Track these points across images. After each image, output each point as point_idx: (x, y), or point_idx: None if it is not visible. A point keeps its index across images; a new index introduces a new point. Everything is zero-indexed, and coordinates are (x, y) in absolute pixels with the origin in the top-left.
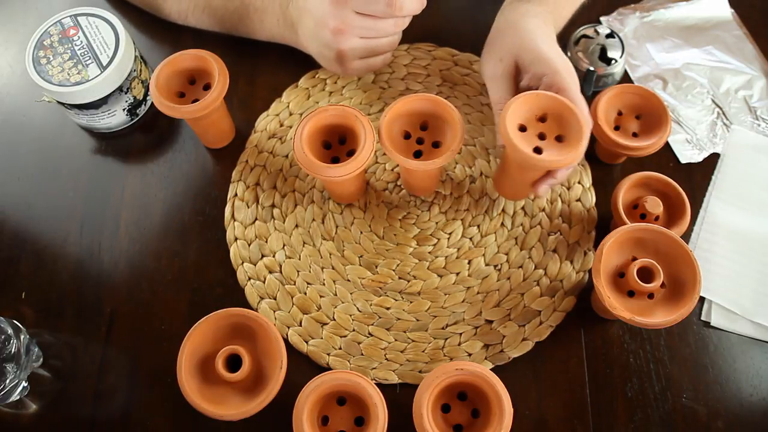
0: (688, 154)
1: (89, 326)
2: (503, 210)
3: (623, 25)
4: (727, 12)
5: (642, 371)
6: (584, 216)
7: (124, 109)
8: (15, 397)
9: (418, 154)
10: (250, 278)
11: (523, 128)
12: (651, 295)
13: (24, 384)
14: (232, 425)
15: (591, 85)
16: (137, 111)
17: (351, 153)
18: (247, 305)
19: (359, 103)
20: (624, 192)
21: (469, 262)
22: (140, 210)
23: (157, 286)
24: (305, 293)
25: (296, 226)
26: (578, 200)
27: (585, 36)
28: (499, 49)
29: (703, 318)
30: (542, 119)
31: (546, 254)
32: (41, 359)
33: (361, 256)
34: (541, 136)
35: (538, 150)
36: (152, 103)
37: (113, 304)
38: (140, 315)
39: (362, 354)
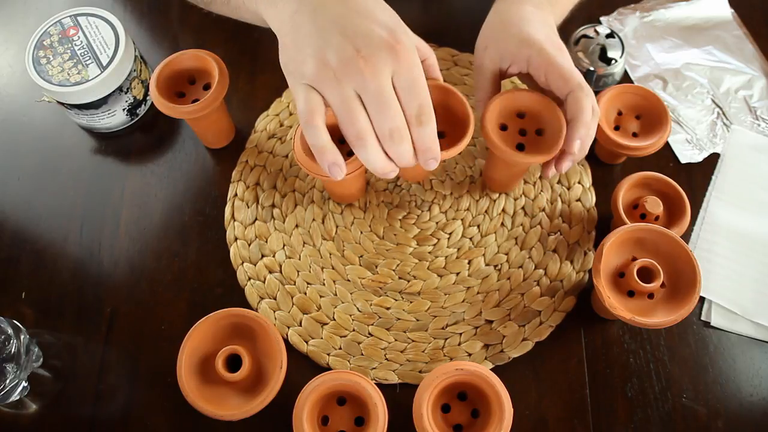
0: (688, 154)
1: (89, 326)
2: (503, 210)
3: (623, 25)
4: (727, 12)
5: (642, 371)
6: (584, 216)
7: (124, 109)
8: (15, 397)
9: None
10: (250, 278)
11: (504, 126)
12: (651, 295)
13: (24, 384)
14: (232, 425)
15: (591, 85)
16: (137, 111)
17: (351, 153)
18: (247, 305)
19: None
20: (624, 192)
21: (469, 262)
22: (140, 210)
23: (157, 286)
24: (305, 293)
25: (296, 226)
26: (578, 200)
27: (585, 36)
28: (484, 39)
29: (703, 318)
30: (521, 115)
31: (546, 254)
32: (41, 359)
33: (361, 256)
34: (522, 132)
35: (520, 146)
36: (152, 103)
37: (113, 304)
38: (140, 315)
39: (362, 354)
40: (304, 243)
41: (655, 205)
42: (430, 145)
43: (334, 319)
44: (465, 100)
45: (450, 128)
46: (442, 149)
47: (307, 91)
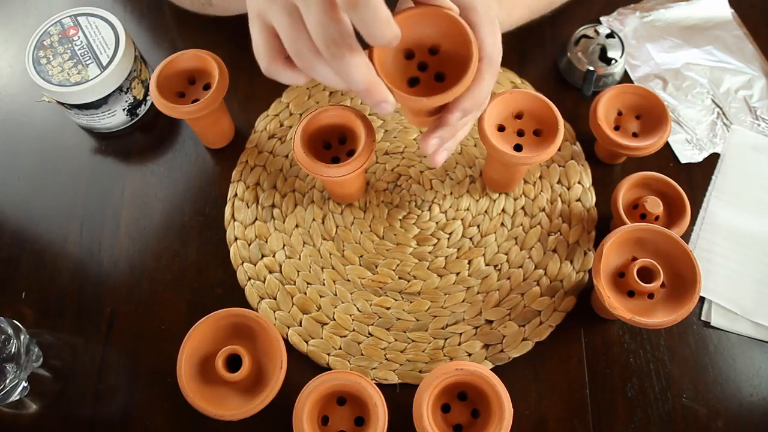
0: (688, 154)
1: (89, 326)
2: (503, 210)
3: (623, 25)
4: (727, 12)
5: (642, 371)
6: (584, 216)
7: (124, 109)
8: (15, 397)
9: (414, 82)
10: (250, 278)
11: (502, 128)
12: (651, 295)
13: (24, 384)
14: (232, 425)
15: (591, 85)
16: (137, 111)
17: (351, 153)
18: (247, 305)
19: (359, 102)
20: (624, 192)
21: (469, 262)
22: (140, 210)
23: (157, 286)
24: (305, 293)
25: (296, 226)
26: (578, 200)
27: (585, 36)
28: None
29: (703, 318)
30: (519, 116)
31: (546, 254)
32: (41, 359)
33: (361, 256)
34: (520, 133)
35: (518, 147)
36: (152, 103)
37: (113, 304)
38: (140, 315)
39: (362, 354)
40: (304, 243)
41: (655, 205)
42: (367, 21)
43: (334, 319)
44: (469, 33)
45: (453, 71)
46: (440, 92)
47: (258, 27)
